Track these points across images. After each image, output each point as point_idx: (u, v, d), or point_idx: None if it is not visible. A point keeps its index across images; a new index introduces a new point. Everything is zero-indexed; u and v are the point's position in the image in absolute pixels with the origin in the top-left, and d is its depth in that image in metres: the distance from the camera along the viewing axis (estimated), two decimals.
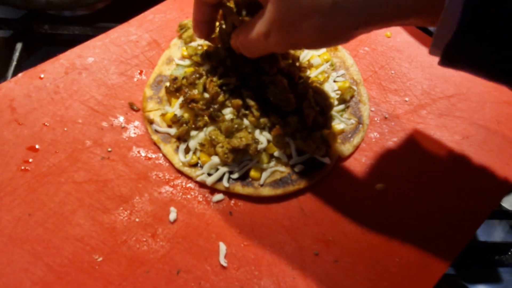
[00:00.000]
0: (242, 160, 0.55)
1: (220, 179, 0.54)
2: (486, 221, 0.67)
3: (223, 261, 0.49)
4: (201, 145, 0.55)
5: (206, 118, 0.55)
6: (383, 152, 0.59)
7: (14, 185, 0.52)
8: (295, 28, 0.40)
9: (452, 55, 0.33)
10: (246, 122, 0.55)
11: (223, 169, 0.54)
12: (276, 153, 0.55)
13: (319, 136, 0.55)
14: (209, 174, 0.54)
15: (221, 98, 0.55)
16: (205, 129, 0.56)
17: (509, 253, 0.64)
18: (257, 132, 0.55)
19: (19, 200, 0.51)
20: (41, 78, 0.60)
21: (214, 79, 0.56)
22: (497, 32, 0.30)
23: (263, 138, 0.54)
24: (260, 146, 0.53)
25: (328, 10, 0.36)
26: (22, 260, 0.47)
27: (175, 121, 0.56)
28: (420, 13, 0.35)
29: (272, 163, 0.55)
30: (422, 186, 0.56)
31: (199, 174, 0.54)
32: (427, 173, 0.57)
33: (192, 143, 0.55)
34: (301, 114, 0.55)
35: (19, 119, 0.57)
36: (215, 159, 0.54)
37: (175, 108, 0.57)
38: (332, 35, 0.39)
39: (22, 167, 0.53)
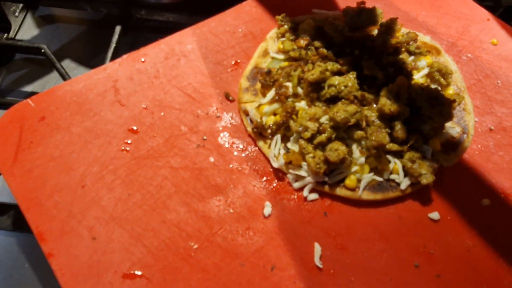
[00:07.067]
0: (334, 169, 0.53)
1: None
2: None
3: (318, 263, 0.48)
4: (288, 152, 0.53)
5: None
6: (487, 165, 0.55)
7: (116, 165, 0.53)
8: None
9: None
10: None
11: (309, 179, 0.52)
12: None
13: (430, 160, 0.52)
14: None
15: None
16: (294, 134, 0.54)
17: None
18: (354, 146, 0.53)
19: (119, 181, 0.52)
20: (142, 62, 0.61)
21: (310, 67, 0.55)
22: None
23: (357, 152, 0.52)
24: (357, 161, 0.52)
25: None
26: (122, 240, 0.48)
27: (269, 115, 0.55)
28: None
29: (371, 174, 0.52)
30: None
31: (291, 174, 0.53)
32: None
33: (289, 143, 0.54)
34: (408, 123, 0.53)
35: (121, 100, 0.57)
36: (304, 168, 0.52)
37: (267, 99, 0.56)
38: None
39: (122, 148, 0.54)
